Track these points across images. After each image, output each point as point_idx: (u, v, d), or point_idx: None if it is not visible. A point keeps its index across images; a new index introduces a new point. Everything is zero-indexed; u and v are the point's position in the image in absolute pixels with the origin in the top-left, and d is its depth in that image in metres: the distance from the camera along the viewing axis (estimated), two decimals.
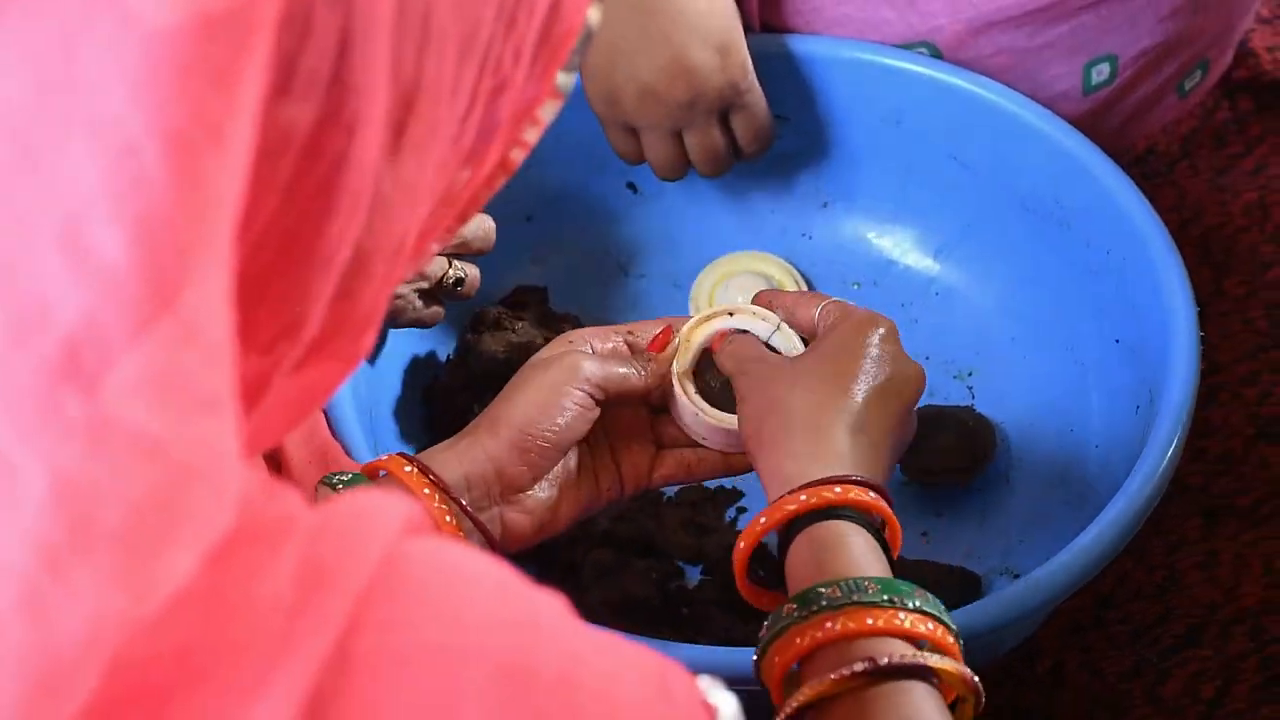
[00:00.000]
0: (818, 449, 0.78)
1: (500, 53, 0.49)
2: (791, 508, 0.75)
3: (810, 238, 1.15)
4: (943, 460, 1.02)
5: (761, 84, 1.07)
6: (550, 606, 0.47)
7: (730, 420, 0.86)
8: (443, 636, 0.43)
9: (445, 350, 1.09)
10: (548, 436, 0.82)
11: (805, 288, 1.12)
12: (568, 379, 0.83)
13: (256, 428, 0.48)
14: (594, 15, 0.53)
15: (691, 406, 0.87)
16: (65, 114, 0.38)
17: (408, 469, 0.79)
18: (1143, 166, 1.26)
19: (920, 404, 1.04)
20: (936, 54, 1.10)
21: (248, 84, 0.40)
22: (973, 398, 1.08)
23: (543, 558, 0.99)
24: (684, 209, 1.16)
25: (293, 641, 0.41)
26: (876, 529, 0.75)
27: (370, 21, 0.43)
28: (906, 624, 0.69)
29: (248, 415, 0.47)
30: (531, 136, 0.54)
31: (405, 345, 1.07)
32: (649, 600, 0.96)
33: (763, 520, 0.76)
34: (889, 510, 0.76)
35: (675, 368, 0.88)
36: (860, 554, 0.73)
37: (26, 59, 0.38)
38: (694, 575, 1.00)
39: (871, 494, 0.75)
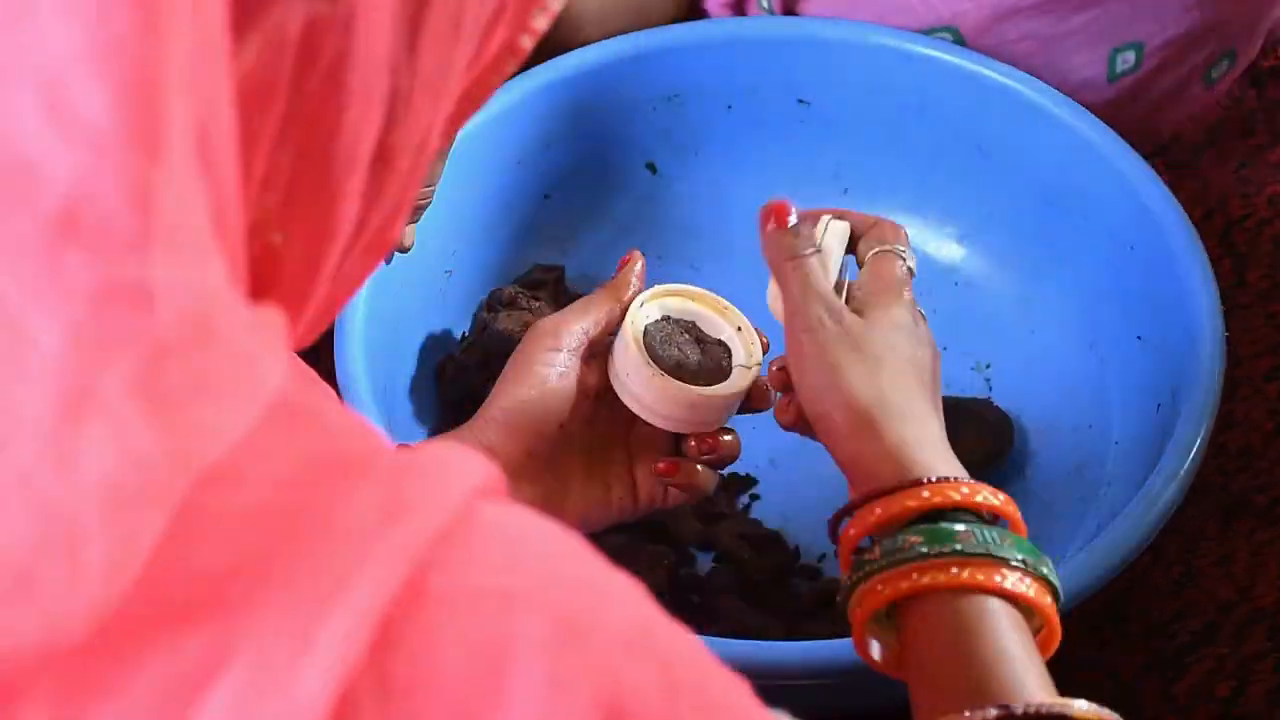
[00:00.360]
0: (923, 435, 0.74)
1: None
2: (912, 504, 0.71)
3: None
4: (958, 453, 1.01)
5: (783, 68, 1.06)
6: (624, 581, 0.47)
7: (696, 392, 0.83)
8: (514, 582, 0.43)
9: (461, 328, 1.08)
10: (530, 407, 0.82)
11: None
12: (533, 344, 0.84)
13: (300, 326, 0.49)
14: None
15: (641, 359, 0.84)
16: None
17: None
18: (1166, 156, 1.25)
19: None
20: (960, 40, 1.10)
21: None
22: (990, 390, 1.07)
23: None
24: (703, 192, 1.15)
25: (371, 562, 0.42)
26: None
27: None
28: (1007, 584, 0.68)
29: (297, 319, 0.48)
30: (541, 23, 0.53)
31: (421, 322, 1.06)
32: (659, 587, 0.96)
33: (878, 511, 0.71)
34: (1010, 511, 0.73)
35: (630, 321, 0.85)
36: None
37: None
38: (705, 562, 1.00)
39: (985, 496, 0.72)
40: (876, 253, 0.83)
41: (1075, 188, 1.06)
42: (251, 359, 0.41)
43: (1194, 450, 0.90)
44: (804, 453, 1.05)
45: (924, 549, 0.69)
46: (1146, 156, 1.05)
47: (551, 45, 1.14)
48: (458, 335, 1.08)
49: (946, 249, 1.13)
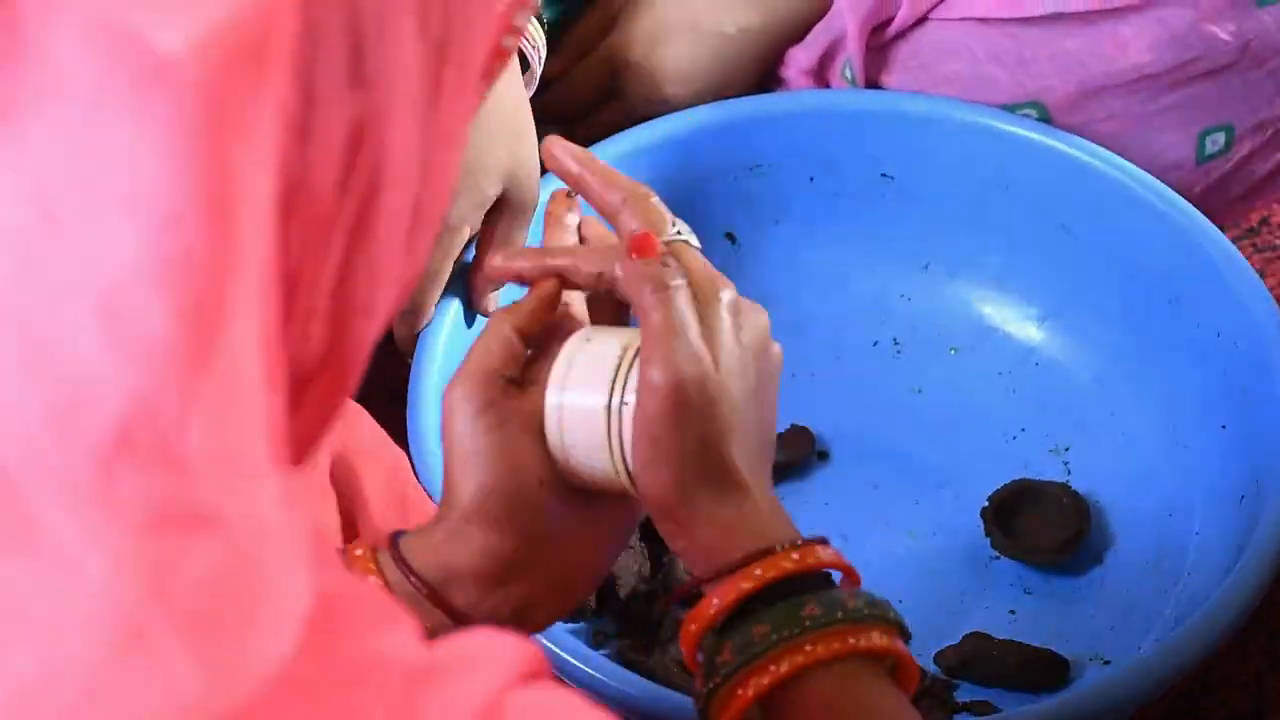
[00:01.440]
0: (761, 501, 0.69)
1: None
2: (747, 585, 0.67)
3: (909, 299, 1.14)
4: (1034, 538, 1.01)
5: (867, 141, 1.06)
6: None
7: None
8: None
9: None
10: (501, 485, 0.69)
11: None
12: (458, 416, 0.70)
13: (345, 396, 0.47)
14: None
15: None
16: (96, 182, 0.37)
17: (361, 552, 0.70)
18: (1255, 239, 1.23)
19: (1014, 478, 1.03)
20: (1045, 116, 1.09)
21: (268, 122, 0.39)
22: (1068, 474, 1.06)
23: (618, 613, 0.98)
24: (781, 263, 1.15)
25: None
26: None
27: (385, 7, 0.42)
28: (861, 642, 0.66)
29: (340, 392, 0.46)
30: (520, 20, 0.51)
31: None
32: None
33: (715, 602, 0.67)
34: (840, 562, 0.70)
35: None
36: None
37: (53, 128, 0.37)
38: None
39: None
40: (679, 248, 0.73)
41: (1160, 271, 1.05)
42: (292, 585, 0.40)
43: (1278, 546, 0.88)
44: (875, 527, 1.04)
45: (774, 636, 0.66)
46: (1235, 240, 1.03)
47: (633, 99, 1.15)
48: None
49: (1027, 329, 1.11)
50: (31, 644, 0.36)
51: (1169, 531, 1.01)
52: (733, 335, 0.71)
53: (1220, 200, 1.11)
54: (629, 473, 0.71)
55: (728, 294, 0.72)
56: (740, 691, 0.66)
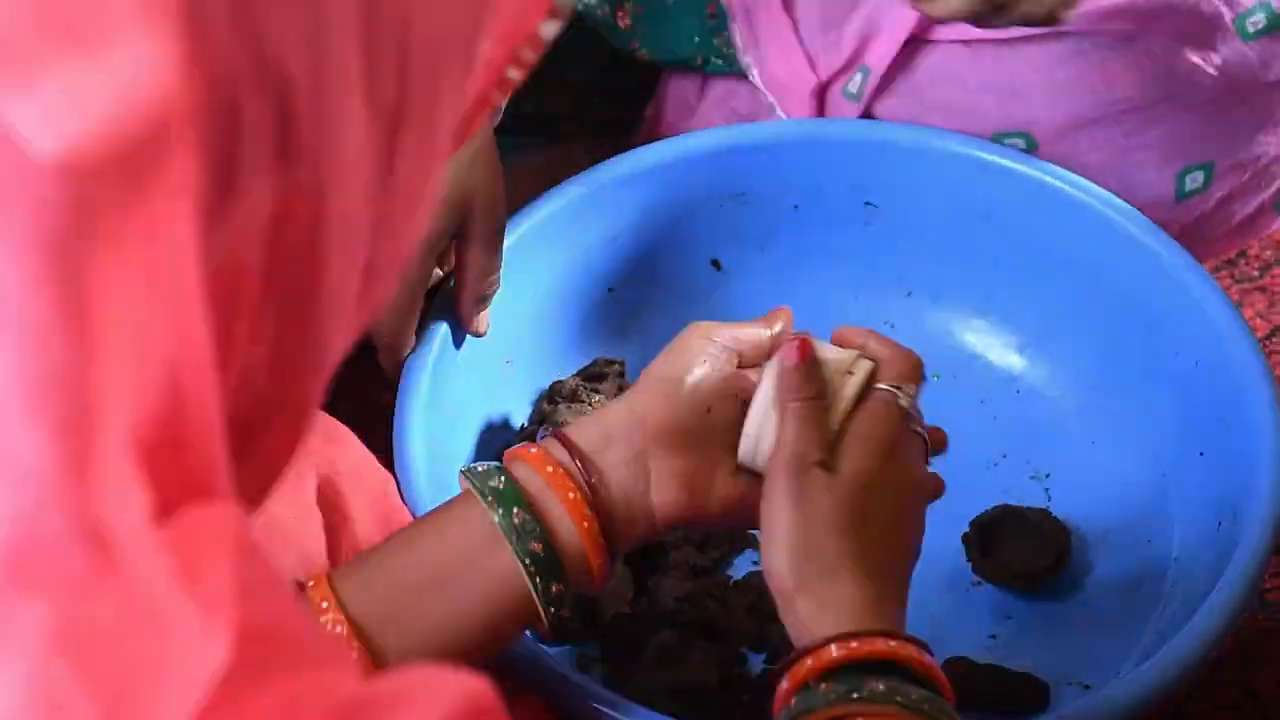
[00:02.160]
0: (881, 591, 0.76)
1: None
2: (839, 655, 0.72)
3: (893, 326, 1.14)
4: (1015, 563, 1.01)
5: (851, 169, 1.07)
6: None
7: None
8: None
9: (520, 417, 1.09)
10: (679, 382, 0.82)
11: None
12: (688, 333, 0.85)
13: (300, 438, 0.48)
14: None
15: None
16: None
17: (535, 450, 0.80)
18: (1233, 270, 1.24)
19: (996, 504, 1.04)
20: (1032, 145, 1.10)
21: (172, 211, 0.38)
22: (1049, 500, 1.06)
23: (605, 637, 0.98)
24: (766, 289, 1.16)
25: None
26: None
27: (319, 76, 0.41)
28: None
29: (296, 438, 0.46)
30: (530, 56, 0.52)
31: (479, 411, 1.06)
32: (709, 685, 0.95)
33: (808, 662, 0.72)
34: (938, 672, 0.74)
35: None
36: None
37: None
38: (757, 663, 0.99)
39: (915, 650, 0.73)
40: (874, 392, 0.82)
41: (1141, 301, 1.06)
42: (202, 655, 0.39)
43: (1255, 570, 0.89)
44: None
45: (832, 695, 0.71)
46: (1213, 272, 1.04)
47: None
48: (517, 424, 1.08)
49: (1009, 357, 1.12)
50: None
51: (1148, 557, 1.01)
52: (877, 450, 0.79)
53: (1200, 240, 1.11)
54: None
55: (894, 426, 0.80)
56: None
